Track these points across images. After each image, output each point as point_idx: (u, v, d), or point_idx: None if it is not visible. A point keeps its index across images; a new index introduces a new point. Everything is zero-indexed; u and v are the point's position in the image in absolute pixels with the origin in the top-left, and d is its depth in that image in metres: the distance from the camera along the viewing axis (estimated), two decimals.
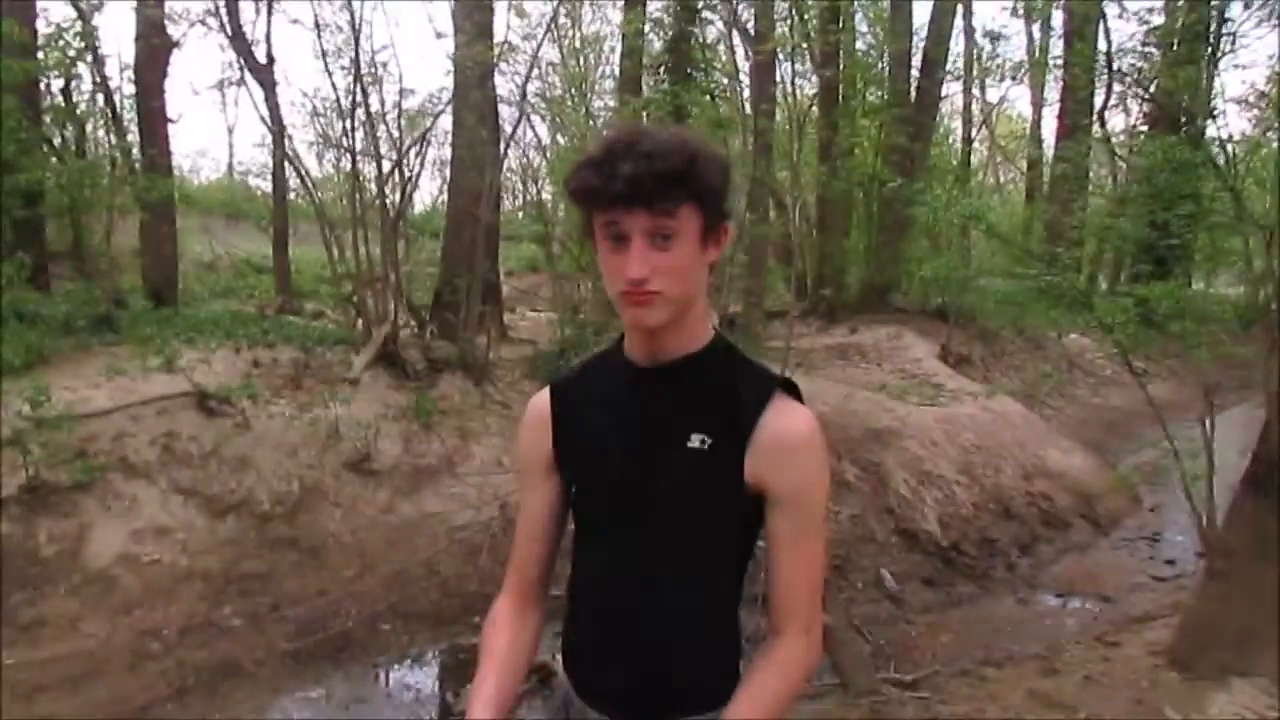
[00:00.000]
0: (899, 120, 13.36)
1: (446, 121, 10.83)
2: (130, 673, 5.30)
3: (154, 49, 10.80)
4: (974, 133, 20.58)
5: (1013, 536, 7.86)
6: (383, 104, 10.57)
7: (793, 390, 1.37)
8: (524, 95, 9.61)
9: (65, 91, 12.07)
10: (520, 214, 19.49)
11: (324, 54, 8.76)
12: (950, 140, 19.23)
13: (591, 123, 13.22)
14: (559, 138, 15.73)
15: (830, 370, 10.90)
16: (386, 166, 10.04)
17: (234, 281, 13.73)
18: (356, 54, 8.69)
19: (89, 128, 12.91)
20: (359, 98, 8.81)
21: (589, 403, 1.44)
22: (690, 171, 1.25)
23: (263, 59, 11.09)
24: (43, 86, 11.25)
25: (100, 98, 12.58)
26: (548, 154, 13.63)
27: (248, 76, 11.07)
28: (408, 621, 5.74)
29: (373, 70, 9.75)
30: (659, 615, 1.38)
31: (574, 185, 1.29)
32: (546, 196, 14.57)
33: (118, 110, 12.36)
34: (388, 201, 9.29)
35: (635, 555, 1.38)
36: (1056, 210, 12.87)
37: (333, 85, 11.91)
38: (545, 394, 1.50)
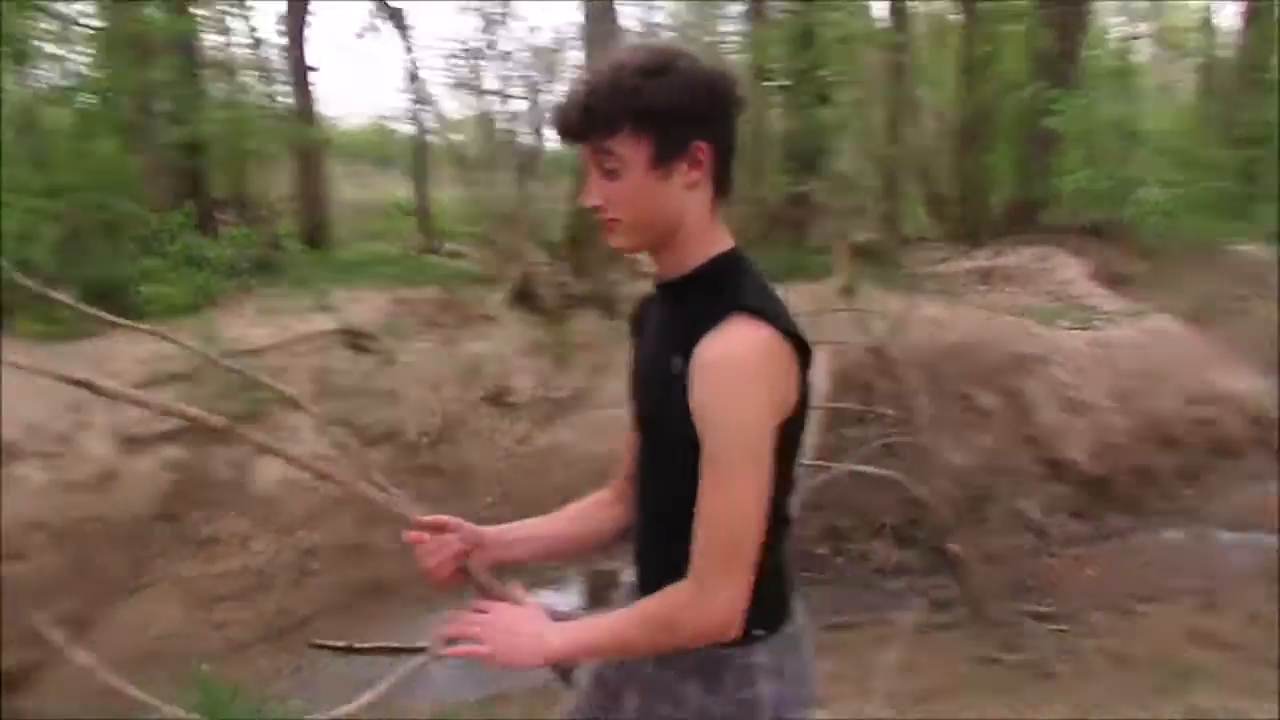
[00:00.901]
0: (1047, 21, 12.43)
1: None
2: (295, 587, 5.76)
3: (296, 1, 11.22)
4: (1136, 28, 18.97)
5: (1174, 467, 7.41)
6: (519, 43, 10.70)
7: (754, 311, 1.23)
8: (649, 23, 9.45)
9: (223, 46, 12.75)
10: None
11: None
12: (1110, 39, 17.75)
13: (721, 52, 12.95)
14: None
15: (971, 296, 10.47)
16: (520, 106, 10.21)
17: (382, 224, 14.29)
18: None
19: (244, 79, 13.57)
20: (487, 38, 8.90)
21: (648, 324, 1.44)
22: (615, 100, 1.22)
23: (395, 3, 11.39)
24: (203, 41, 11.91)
25: (252, 50, 13.22)
26: None
27: (382, 23, 11.42)
28: None
29: (502, 10, 9.88)
30: (647, 542, 1.40)
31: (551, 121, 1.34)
32: None
33: (268, 62, 12.96)
34: (520, 140, 9.42)
35: (643, 477, 1.41)
36: (1233, 109, 11.79)
37: (461, 27, 12.04)
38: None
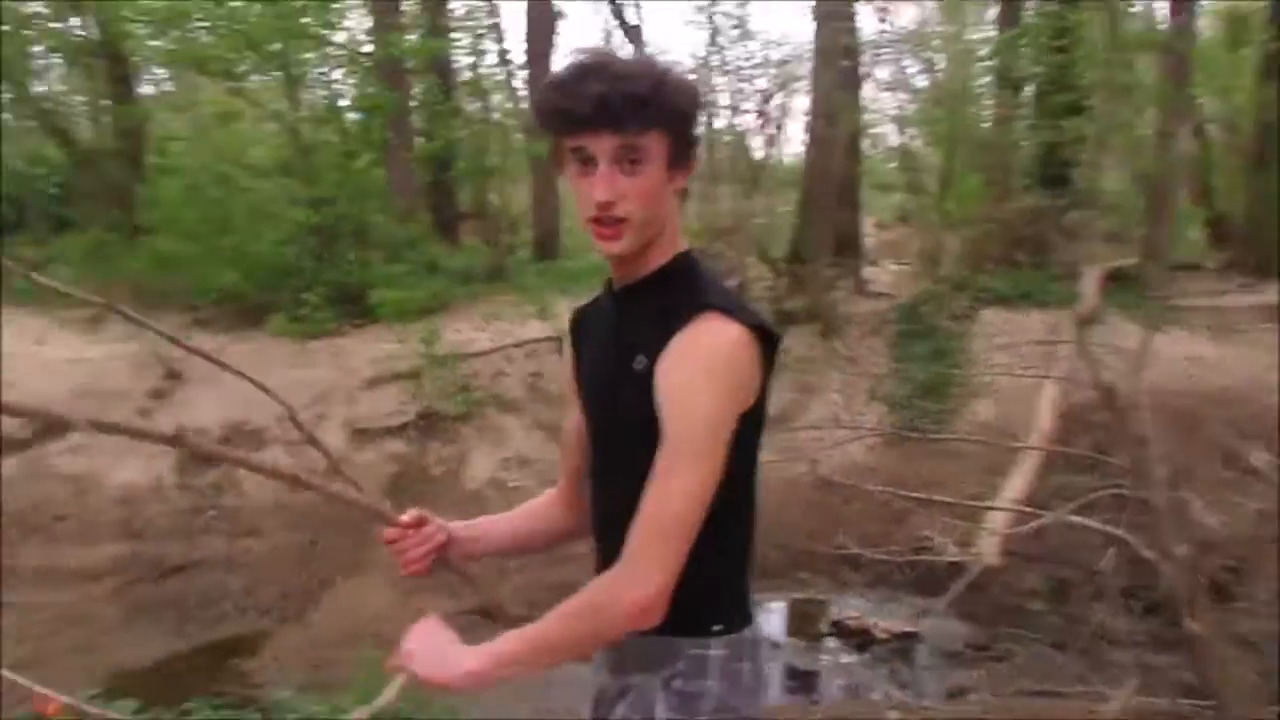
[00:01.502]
0: None
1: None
2: (493, 584, 5.97)
3: (541, 20, 11.76)
4: None
5: None
6: (748, 58, 10.67)
7: (721, 309, 1.24)
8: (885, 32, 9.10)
9: (473, 66, 13.61)
10: (893, 162, 18.74)
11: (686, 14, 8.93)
12: None
13: (968, 58, 12.25)
14: (936, 76, 14.82)
15: (1255, 336, 9.22)
16: (748, 119, 10.15)
17: None
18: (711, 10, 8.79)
19: (493, 99, 14.40)
20: (714, 51, 8.91)
21: (593, 329, 1.46)
22: (658, 95, 1.22)
23: (633, 20, 11.68)
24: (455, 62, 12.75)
25: (502, 71, 14.01)
26: (918, 99, 12.92)
27: (620, 39, 11.73)
28: None
29: (739, 22, 9.86)
30: (611, 544, 1.31)
31: (540, 107, 1.27)
32: (918, 142, 13.83)
33: (513, 80, 13.68)
34: (743, 154, 9.35)
35: (602, 482, 1.41)
36: None
37: (692, 42, 12.17)
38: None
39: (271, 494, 6.35)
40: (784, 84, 11.49)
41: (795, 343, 7.99)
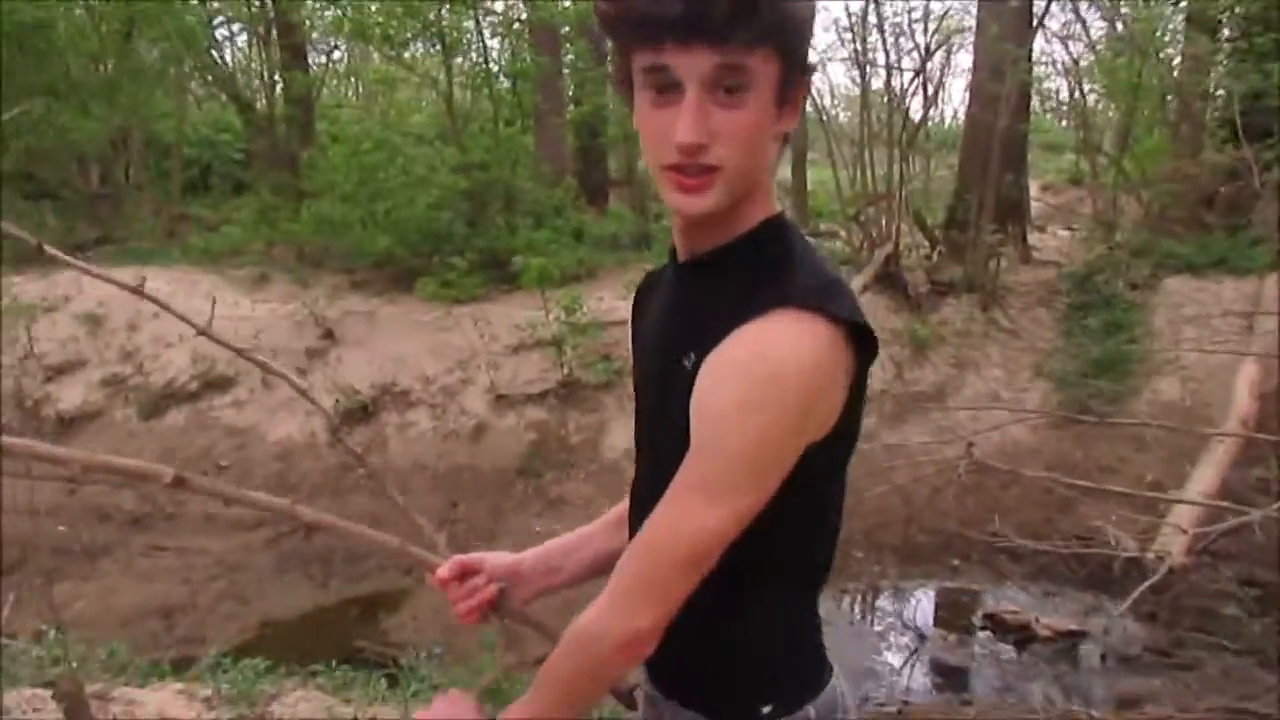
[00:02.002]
0: None
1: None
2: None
3: None
4: None
5: None
6: (908, 12, 10.08)
7: (817, 308, 0.90)
8: None
9: None
10: (1062, 121, 17.49)
11: None
12: None
13: (1161, 6, 11.16)
14: (1116, 25, 13.64)
15: None
16: (906, 78, 9.61)
17: None
18: None
19: None
20: (869, 7, 8.43)
21: (652, 308, 1.14)
22: (781, 7, 0.91)
23: None
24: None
25: None
26: (1096, 49, 11.89)
27: None
28: (880, 552, 5.55)
29: None
30: None
31: (606, 5, 0.94)
32: (1092, 100, 12.79)
33: None
34: (900, 115, 8.85)
35: (639, 497, 1.10)
36: None
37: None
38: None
39: (415, 455, 6.48)
40: (946, 39, 10.82)
41: (953, 314, 7.53)
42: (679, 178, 0.94)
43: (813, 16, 0.97)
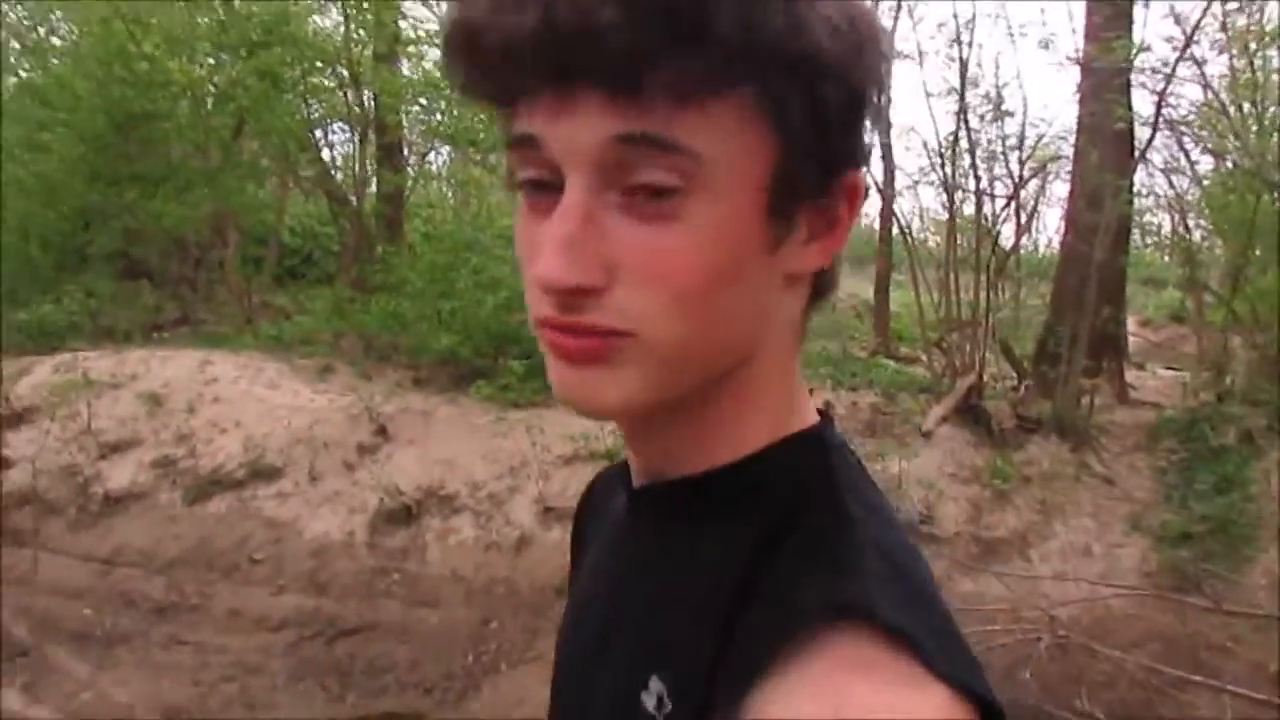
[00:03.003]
0: None
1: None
2: None
3: None
4: None
5: None
6: (1002, 138, 9.84)
7: (888, 629, 0.47)
8: (1159, 108, 7.99)
9: None
10: (1164, 255, 16.82)
11: (925, 88, 8.31)
12: None
13: (1270, 139, 10.67)
14: (1225, 161, 13.13)
15: None
16: (998, 204, 9.28)
17: (840, 321, 14.01)
18: (961, 86, 8.12)
19: None
20: (961, 131, 8.20)
21: (601, 526, 0.71)
22: (739, 7, 0.46)
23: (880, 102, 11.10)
24: None
25: None
26: (1202, 182, 11.39)
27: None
28: None
29: (992, 99, 9.07)
30: None
31: (447, 30, 0.52)
32: (1198, 235, 12.21)
33: None
34: (989, 241, 8.50)
35: None
36: None
37: (933, 120, 11.45)
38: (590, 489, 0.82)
39: (454, 564, 6.17)
40: (1041, 166, 10.49)
41: (1040, 454, 6.97)
42: (553, 336, 0.54)
43: (864, 47, 0.52)
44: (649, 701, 0.54)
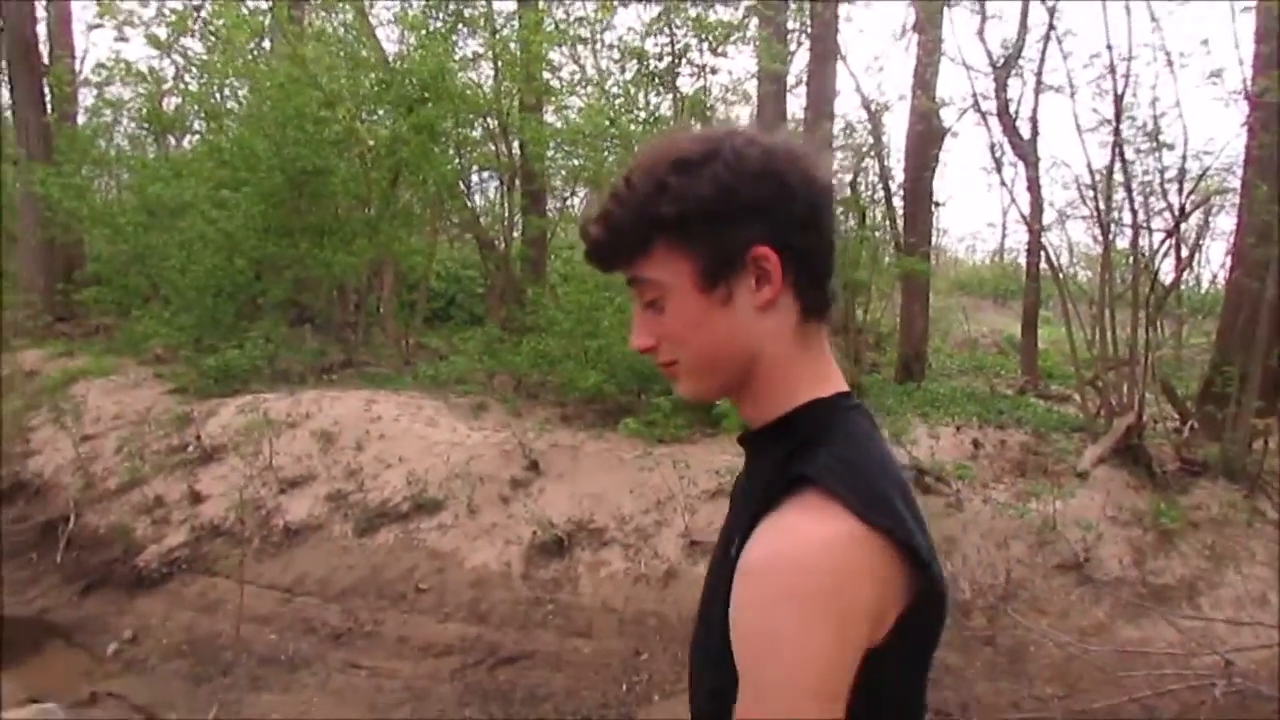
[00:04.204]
0: None
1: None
2: None
3: (923, 136, 11.42)
4: None
5: None
6: (1160, 170, 9.49)
7: (828, 490, 0.86)
8: None
9: (853, 183, 13.55)
10: None
11: (1076, 120, 8.15)
12: None
13: None
14: None
15: None
16: (1156, 239, 8.95)
17: (985, 359, 13.69)
18: (1116, 117, 7.91)
19: (869, 215, 14.22)
20: (1115, 164, 7.98)
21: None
22: (648, 209, 0.94)
23: (1027, 134, 10.90)
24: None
25: (881, 187, 13.82)
26: None
27: (1009, 154, 11.01)
28: None
29: (1149, 131, 8.79)
30: None
31: None
32: None
33: (891, 197, 13.41)
34: (1147, 277, 8.21)
35: (692, 697, 1.08)
36: None
37: (1085, 152, 11.13)
38: None
39: (604, 596, 6.37)
40: (1205, 199, 10.06)
41: (1208, 499, 6.67)
42: (662, 368, 1.03)
43: (721, 198, 0.93)
44: (732, 550, 0.93)
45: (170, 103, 16.18)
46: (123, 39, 17.18)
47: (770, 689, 0.83)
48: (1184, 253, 10.42)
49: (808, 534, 0.84)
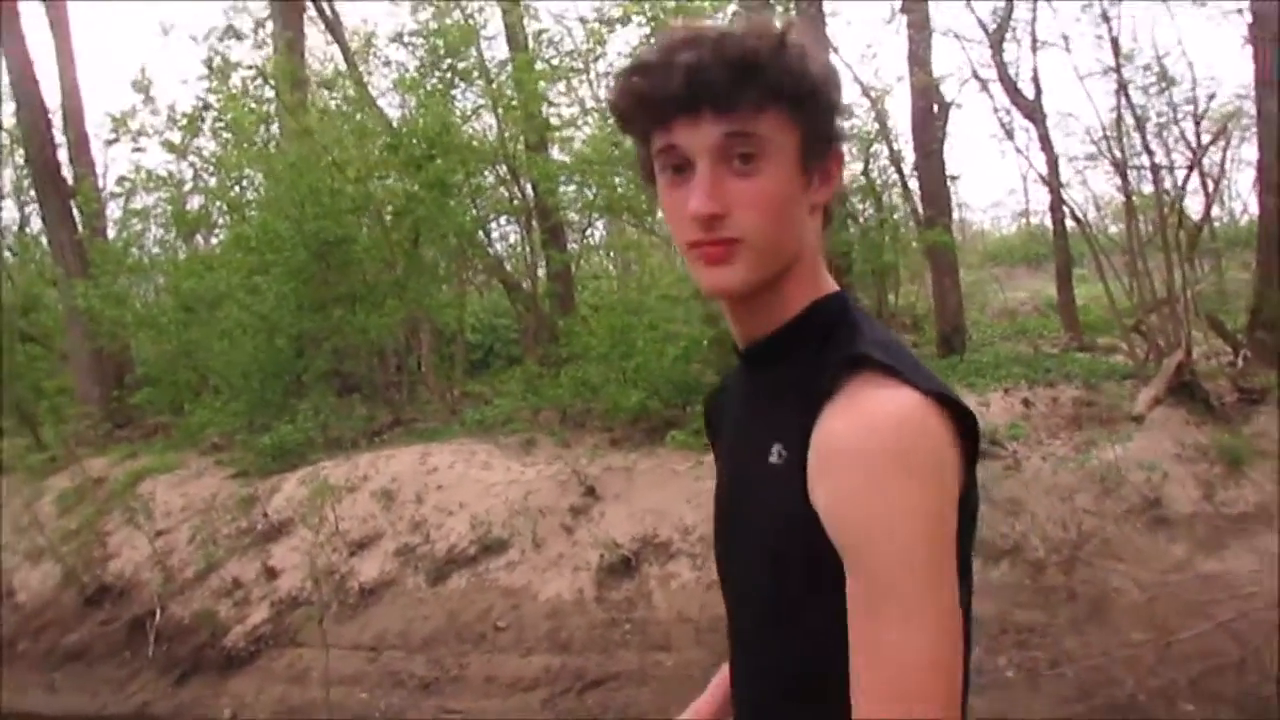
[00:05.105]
0: None
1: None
2: None
3: (925, 112, 11.43)
4: None
5: None
6: (1172, 108, 9.43)
7: (883, 366, 0.87)
8: None
9: (865, 171, 13.58)
10: None
11: (1076, 71, 8.13)
12: None
13: None
14: None
15: None
16: (1179, 176, 8.88)
17: (1026, 323, 13.56)
18: (1116, 61, 7.90)
19: (885, 198, 14.21)
20: (1123, 109, 7.96)
21: (726, 416, 1.14)
22: (779, 61, 0.89)
23: (1031, 94, 10.88)
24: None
25: (893, 169, 13.83)
26: None
27: (1017, 117, 10.99)
28: (1216, 705, 4.71)
29: (1154, 70, 8.76)
30: (743, 692, 1.06)
31: (615, 97, 0.96)
32: None
33: (905, 178, 13.41)
34: (1172, 216, 8.13)
35: (731, 605, 1.11)
36: None
37: (1091, 102, 11.06)
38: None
39: (679, 607, 6.41)
40: (1222, 128, 9.95)
41: (1270, 425, 6.57)
42: (703, 250, 0.92)
43: (832, 81, 0.95)
44: (773, 457, 0.94)
45: (194, 202, 16.71)
46: (139, 149, 17.72)
47: (896, 566, 0.79)
48: (1210, 186, 10.30)
49: (894, 406, 0.83)
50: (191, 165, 16.17)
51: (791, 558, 0.90)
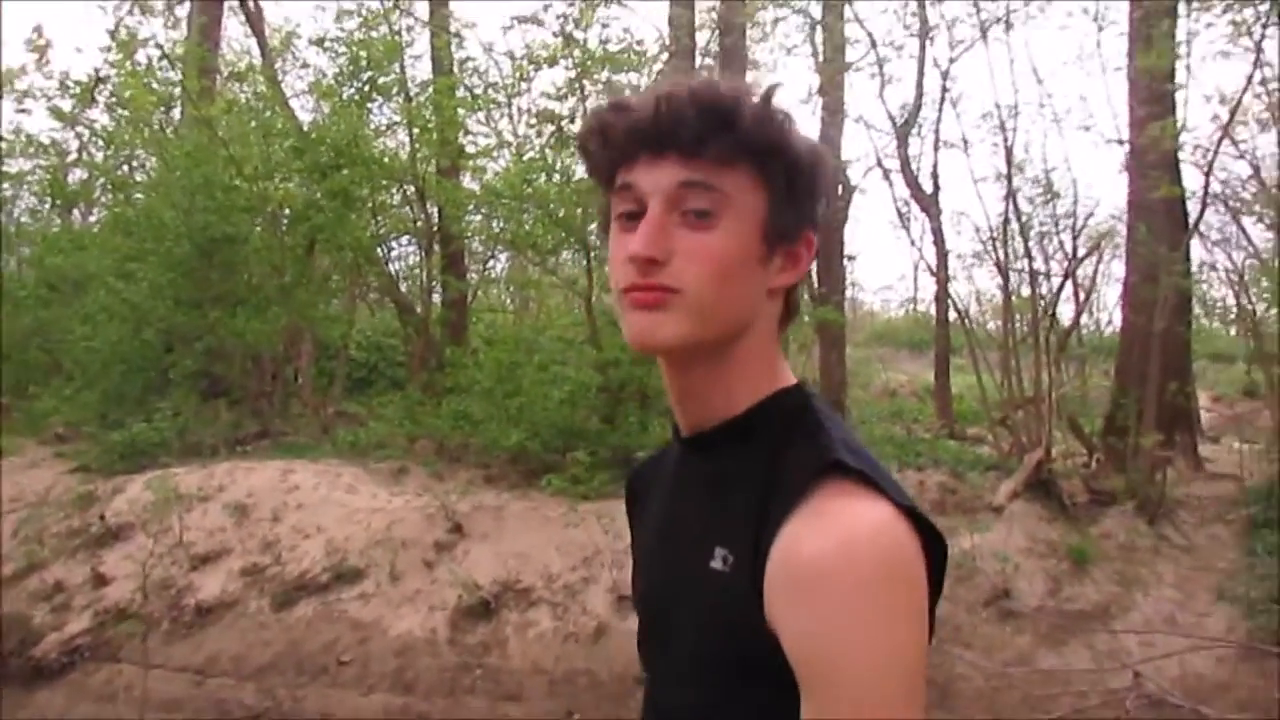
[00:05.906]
0: None
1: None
2: None
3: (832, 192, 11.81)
4: None
5: None
6: (1054, 219, 9.98)
7: (856, 474, 0.81)
8: (1207, 184, 8.09)
9: None
10: (1229, 329, 16.60)
11: (972, 174, 8.56)
12: None
13: None
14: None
15: None
16: (1054, 283, 9.36)
17: (903, 405, 14.02)
18: (1008, 170, 8.33)
19: None
20: (1011, 214, 8.38)
21: (653, 491, 1.05)
22: (755, 115, 0.85)
23: (929, 188, 11.37)
24: None
25: None
26: (1261, 256, 11.34)
27: (914, 208, 11.47)
28: None
29: (1041, 182, 9.25)
30: None
31: (584, 128, 0.91)
32: (1261, 307, 12.09)
33: None
34: (1047, 319, 8.57)
35: (657, 700, 0.98)
36: None
37: (982, 204, 11.67)
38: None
39: (534, 657, 6.25)
40: (1096, 244, 10.59)
41: (1116, 527, 6.91)
42: (633, 294, 0.86)
43: (815, 156, 0.89)
44: (715, 562, 0.86)
45: (75, 175, 15.84)
46: (24, 110, 16.72)
47: (865, 689, 0.75)
48: (1080, 295, 10.91)
49: (870, 525, 0.78)
50: (79, 136, 15.37)
51: (729, 666, 0.85)
